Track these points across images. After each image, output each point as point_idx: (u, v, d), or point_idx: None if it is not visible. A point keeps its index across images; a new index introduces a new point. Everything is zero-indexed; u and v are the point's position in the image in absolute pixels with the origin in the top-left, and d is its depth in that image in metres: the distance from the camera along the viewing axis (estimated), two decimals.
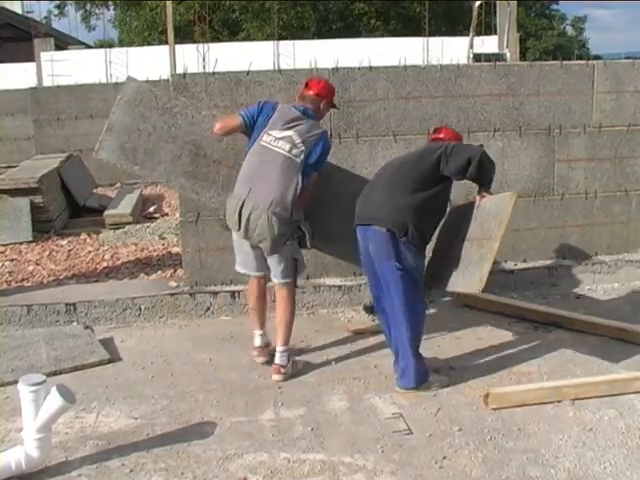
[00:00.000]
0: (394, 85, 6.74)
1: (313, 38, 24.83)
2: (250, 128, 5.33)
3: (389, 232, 4.94)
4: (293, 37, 25.16)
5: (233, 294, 6.59)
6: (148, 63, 17.91)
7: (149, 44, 29.42)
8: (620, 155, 7.23)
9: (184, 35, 26.55)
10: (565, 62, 7.15)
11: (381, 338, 5.96)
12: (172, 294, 6.59)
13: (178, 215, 7.16)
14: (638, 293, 6.92)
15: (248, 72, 6.52)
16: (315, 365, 5.58)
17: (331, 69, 6.64)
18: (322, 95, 5.43)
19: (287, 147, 5.16)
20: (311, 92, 5.42)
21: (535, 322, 6.24)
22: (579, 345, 5.80)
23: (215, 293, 6.60)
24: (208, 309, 6.57)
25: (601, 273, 7.15)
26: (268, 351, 5.62)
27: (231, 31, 31.30)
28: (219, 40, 26.87)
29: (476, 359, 5.59)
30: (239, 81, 6.49)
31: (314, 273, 6.74)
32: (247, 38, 28.61)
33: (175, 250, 8.43)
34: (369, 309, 6.45)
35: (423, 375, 5.12)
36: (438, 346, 5.84)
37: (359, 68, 6.74)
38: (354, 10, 30.69)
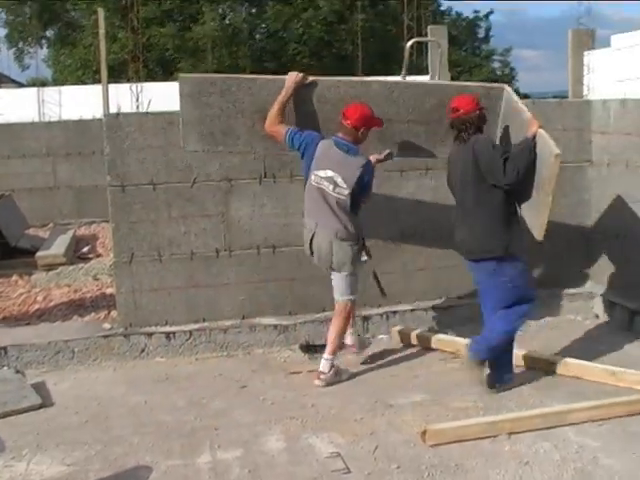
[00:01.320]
0: None
1: None
2: (290, 149, 5.84)
3: (489, 260, 5.52)
4: None
5: (168, 335, 6.52)
6: (82, 102, 17.74)
7: (83, 83, 29.18)
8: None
9: (118, 74, 26.45)
10: None
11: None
12: (106, 336, 6.49)
13: (112, 256, 7.08)
14: (570, 326, 7.04)
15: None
16: (251, 405, 5.53)
17: None
18: (359, 126, 5.69)
19: (331, 187, 5.67)
20: (348, 123, 5.70)
21: None
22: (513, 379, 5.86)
23: (150, 334, 6.52)
24: (143, 351, 6.49)
25: (535, 307, 7.23)
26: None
27: (166, 70, 31.26)
28: (154, 79, 26.80)
29: (413, 396, 5.61)
30: (172, 121, 6.46)
31: (249, 313, 6.72)
32: None
33: (109, 291, 8.31)
34: (305, 348, 6.45)
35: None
36: (375, 383, 5.85)
37: None
38: (288, 50, 30.96)
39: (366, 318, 6.83)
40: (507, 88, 6.12)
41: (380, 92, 6.08)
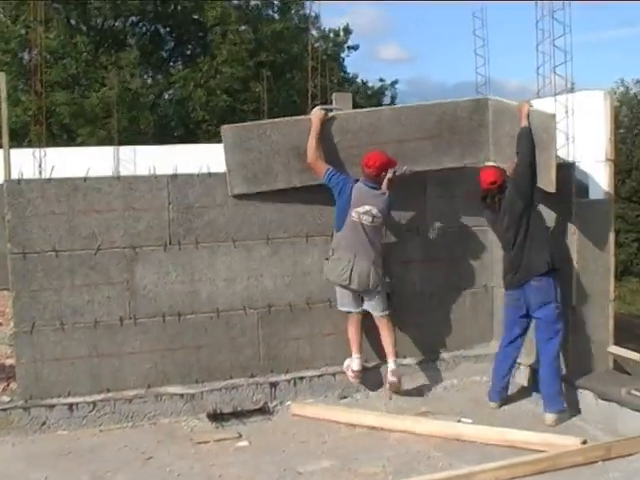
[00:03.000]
0: None
1: (154, 142, 24.80)
2: (327, 184, 6.75)
3: (545, 275, 6.30)
4: (132, 141, 25.12)
5: (71, 406, 6.31)
6: None
7: None
8: (454, 256, 7.52)
9: (21, 138, 26.00)
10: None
11: (225, 446, 5.88)
12: (4, 409, 6.24)
13: (12, 325, 6.87)
14: (476, 388, 7.12)
15: (85, 178, 6.44)
16: (157, 478, 5.39)
17: (170, 175, 6.66)
18: (379, 173, 6.74)
19: (369, 219, 6.70)
20: (371, 172, 6.71)
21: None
22: (421, 443, 5.89)
23: (51, 406, 6.30)
24: (44, 424, 6.26)
25: (440, 370, 7.33)
26: (362, 375, 6.87)
27: (69, 135, 30.85)
28: (58, 144, 26.43)
29: (322, 462, 5.58)
30: (76, 187, 6.39)
31: (155, 382, 6.59)
32: (83, 143, 28.23)
33: (9, 362, 8.01)
34: (212, 416, 6.35)
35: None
36: (283, 451, 5.79)
37: (198, 174, 6.78)
38: (195, 117, 30.94)
39: (273, 385, 6.77)
40: (491, 97, 7.22)
41: (391, 117, 7.06)
